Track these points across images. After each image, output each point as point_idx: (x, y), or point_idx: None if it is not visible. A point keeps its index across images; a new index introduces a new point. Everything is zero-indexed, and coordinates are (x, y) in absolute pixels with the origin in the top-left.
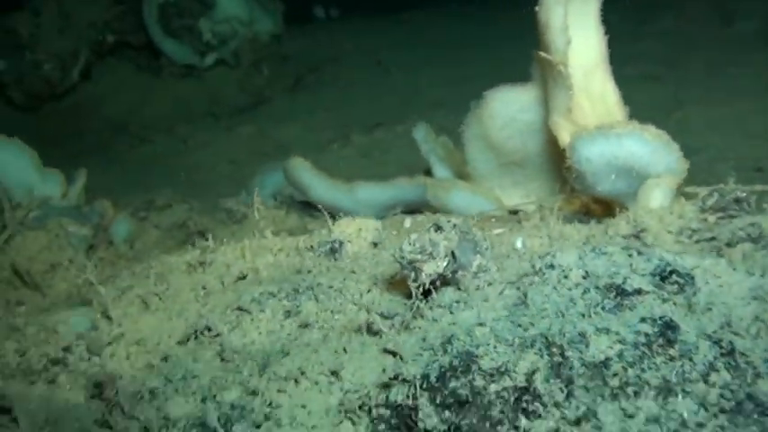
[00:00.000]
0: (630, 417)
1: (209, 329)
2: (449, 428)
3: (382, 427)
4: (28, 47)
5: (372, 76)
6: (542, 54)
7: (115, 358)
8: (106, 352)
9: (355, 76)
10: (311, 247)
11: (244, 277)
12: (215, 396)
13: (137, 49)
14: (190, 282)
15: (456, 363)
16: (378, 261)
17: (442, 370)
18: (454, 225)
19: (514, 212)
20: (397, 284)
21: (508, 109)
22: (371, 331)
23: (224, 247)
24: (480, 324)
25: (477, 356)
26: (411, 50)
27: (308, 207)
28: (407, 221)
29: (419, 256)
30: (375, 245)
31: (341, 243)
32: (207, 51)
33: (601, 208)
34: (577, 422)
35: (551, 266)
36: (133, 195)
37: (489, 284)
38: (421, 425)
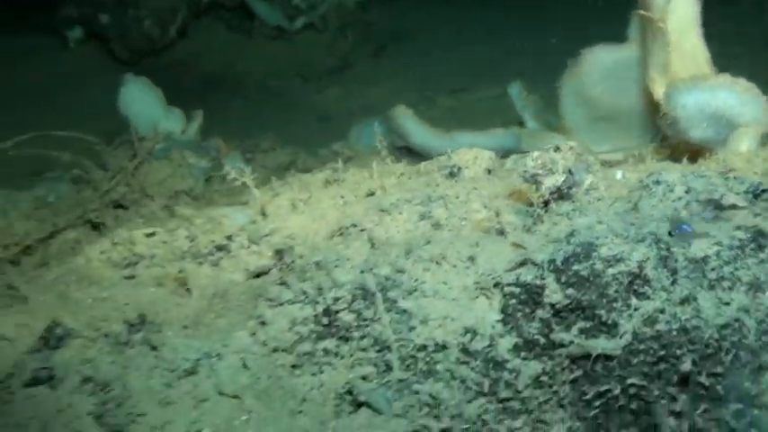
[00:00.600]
0: (725, 304)
1: (355, 225)
2: (571, 303)
3: (513, 301)
4: (131, 3)
5: (452, 46)
6: (642, 12)
7: (272, 247)
8: (263, 242)
9: (436, 45)
10: (430, 171)
11: (372, 194)
12: (371, 269)
13: (229, 10)
14: (328, 193)
15: (578, 250)
16: (494, 182)
17: (566, 256)
18: (571, 147)
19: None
20: (516, 197)
21: (603, 66)
22: (499, 231)
23: (352, 170)
24: (599, 222)
25: (596, 246)
26: (491, 21)
27: (407, 154)
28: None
29: (540, 171)
30: (489, 171)
31: (459, 168)
32: (296, 15)
33: (690, 156)
34: (680, 303)
35: (657, 182)
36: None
37: (599, 200)
38: (547, 300)
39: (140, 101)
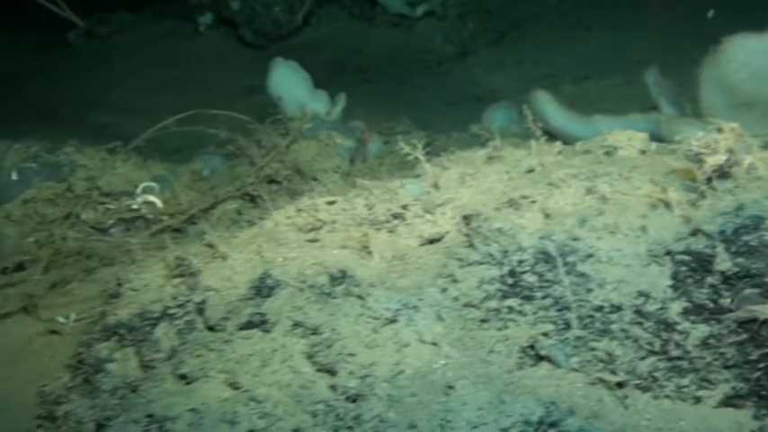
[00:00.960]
0: None
1: (525, 197)
2: (740, 271)
3: (683, 268)
4: None
5: (574, 34)
6: None
7: (445, 216)
8: (437, 211)
9: (556, 33)
10: (587, 150)
11: (532, 170)
12: (549, 236)
13: None
14: (491, 168)
15: (747, 222)
16: (650, 162)
17: (736, 227)
18: (732, 128)
19: None
20: (679, 174)
21: (745, 54)
22: (665, 205)
23: (510, 147)
24: (765, 197)
25: (764, 219)
26: (613, 10)
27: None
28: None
29: (704, 150)
30: (642, 152)
31: (615, 148)
32: (418, 2)
33: None
34: None
35: None
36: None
37: (758, 179)
38: (717, 267)
39: (289, 83)
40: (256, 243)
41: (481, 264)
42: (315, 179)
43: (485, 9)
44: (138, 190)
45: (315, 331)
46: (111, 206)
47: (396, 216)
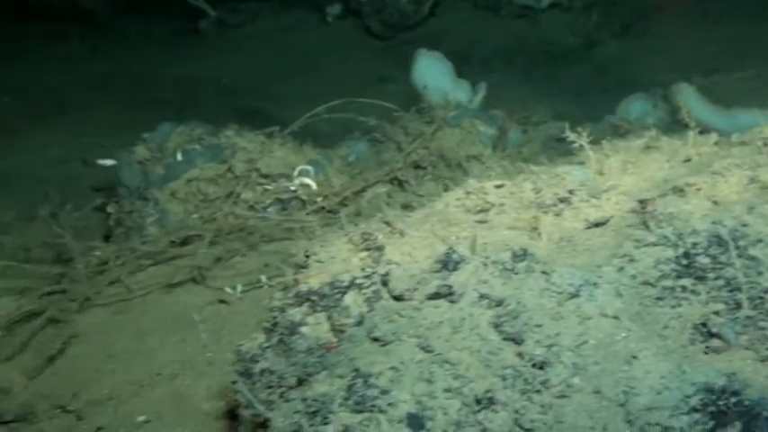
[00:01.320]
0: None
1: (690, 185)
2: None
3: None
4: None
5: (702, 25)
6: None
7: (610, 201)
8: (603, 197)
9: (684, 25)
10: (744, 142)
11: (689, 160)
12: (720, 221)
13: None
14: (650, 157)
15: None
16: None
17: None
18: None
19: None
20: None
21: None
22: None
23: (666, 138)
24: None
25: None
26: (739, 2)
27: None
28: None
29: None
30: None
31: None
32: None
33: None
34: None
35: None
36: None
37: None
38: None
39: (433, 73)
40: (429, 222)
41: (657, 245)
42: (460, 165)
43: (610, 1)
44: (295, 173)
45: (500, 303)
46: (269, 187)
47: (562, 200)
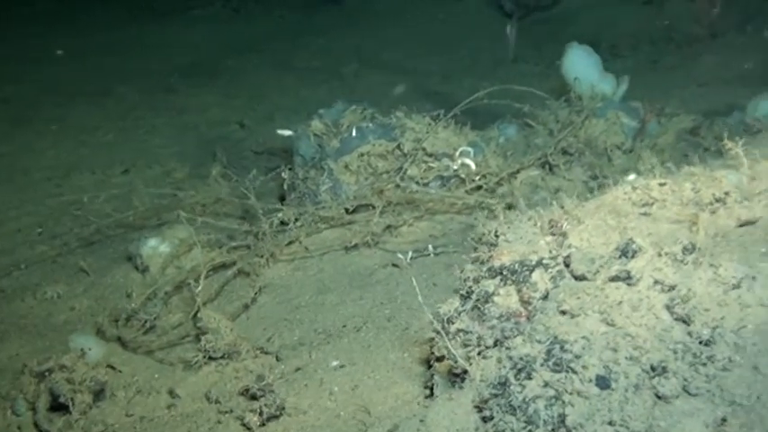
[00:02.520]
0: None
1: None
2: None
3: None
4: None
5: None
6: None
7: (760, 204)
8: (754, 199)
9: None
10: None
11: None
12: None
13: None
14: None
15: None
16: None
17: None
18: None
19: None
20: None
21: None
22: None
23: None
24: None
25: None
26: None
27: None
28: None
29: None
30: None
31: None
32: None
33: None
34: None
35: None
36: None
37: None
38: None
39: (582, 65)
40: (602, 212)
41: None
42: (605, 154)
43: None
44: (457, 153)
45: (672, 288)
46: (432, 165)
47: (717, 200)
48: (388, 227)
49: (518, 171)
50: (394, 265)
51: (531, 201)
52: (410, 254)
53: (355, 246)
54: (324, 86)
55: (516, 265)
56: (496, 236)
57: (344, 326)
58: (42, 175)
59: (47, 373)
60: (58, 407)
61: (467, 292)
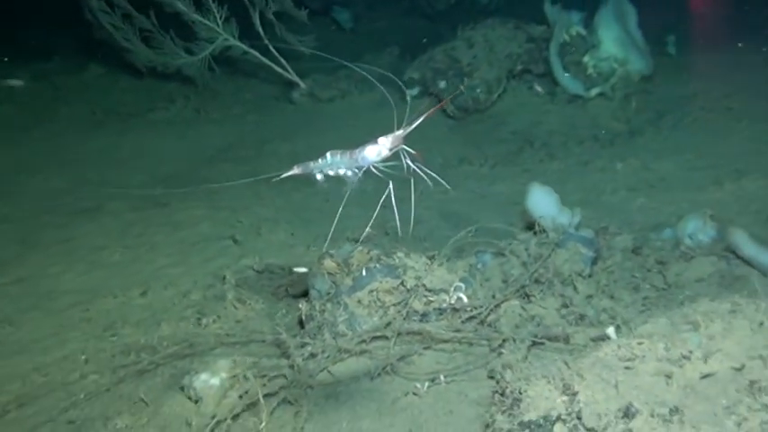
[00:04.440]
0: None
1: None
2: None
3: None
4: (466, 73)
5: (724, 122)
6: None
7: (717, 360)
8: (712, 357)
9: (710, 120)
10: None
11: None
12: None
13: (535, 76)
14: (737, 323)
15: None
16: None
17: None
18: None
19: None
20: None
21: None
22: None
23: (746, 301)
24: None
25: None
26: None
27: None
28: None
29: None
30: None
31: None
32: (592, 86)
33: None
34: None
35: None
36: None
37: None
38: None
39: (543, 203)
40: (596, 367)
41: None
42: (570, 282)
43: (647, 90)
44: (451, 288)
45: None
46: (432, 299)
47: (684, 357)
48: (403, 357)
49: (502, 302)
50: (414, 394)
51: (517, 328)
52: (426, 384)
53: (378, 374)
54: (296, 195)
55: (541, 420)
56: (520, 393)
57: None
58: (67, 300)
59: None
60: None
61: None
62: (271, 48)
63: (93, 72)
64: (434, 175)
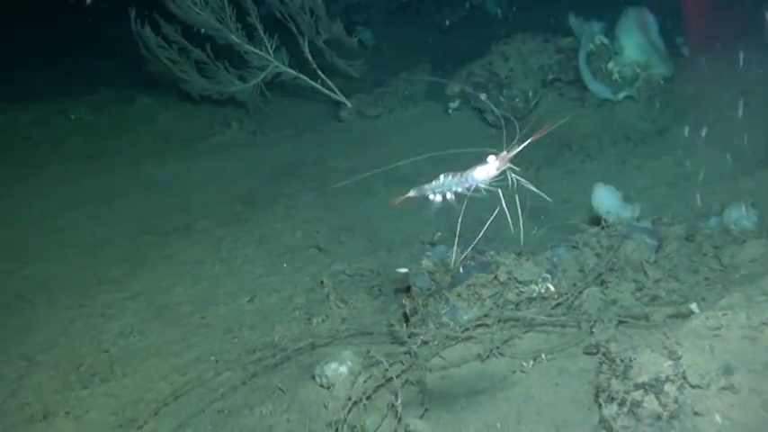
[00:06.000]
0: None
1: None
2: None
3: None
4: (504, 85)
5: (743, 116)
6: None
7: None
8: None
9: (730, 116)
10: None
11: None
12: None
13: (565, 83)
14: None
15: None
16: None
17: None
18: None
19: None
20: None
21: None
22: None
23: None
24: None
25: None
26: None
27: None
28: None
29: None
30: None
31: None
32: (618, 90)
33: None
34: None
35: None
36: None
37: None
38: None
39: (607, 200)
40: (690, 336)
41: None
42: (641, 268)
43: (670, 91)
44: (539, 279)
45: (763, 393)
46: (522, 290)
47: (764, 323)
48: (506, 341)
49: (583, 289)
50: (521, 371)
51: (599, 310)
52: (531, 362)
53: (487, 356)
54: (361, 206)
55: (653, 381)
56: (630, 360)
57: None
58: (184, 310)
59: None
60: None
61: (621, 400)
62: (319, 72)
63: (142, 102)
64: (536, 189)
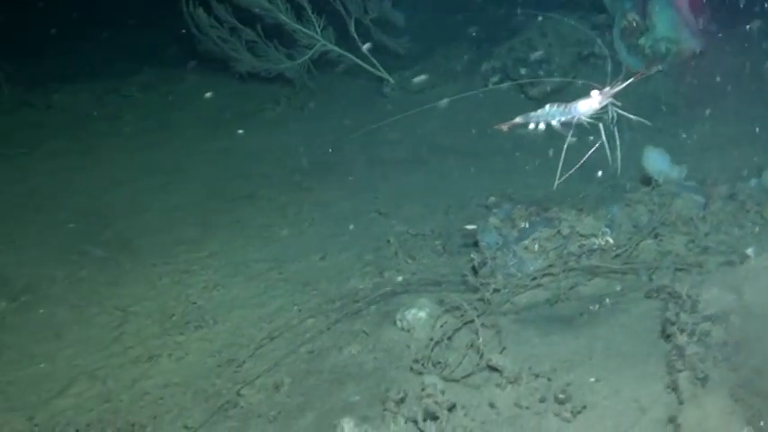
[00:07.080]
0: None
1: None
2: None
3: None
4: (544, 61)
5: None
6: None
7: None
8: None
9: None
10: None
11: None
12: None
13: (601, 58)
14: None
15: None
16: None
17: None
18: None
19: None
20: None
21: None
22: None
23: None
24: None
25: None
26: None
27: None
28: None
29: None
30: None
31: None
32: (651, 63)
33: None
34: None
35: None
36: None
37: None
38: None
39: (658, 162)
40: (751, 276)
41: None
42: (690, 223)
43: (698, 66)
44: (599, 232)
45: None
46: (584, 242)
47: None
48: (571, 287)
49: (640, 242)
50: (587, 314)
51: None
52: (596, 306)
53: (556, 301)
54: (415, 175)
55: (720, 313)
56: (697, 297)
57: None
58: (260, 267)
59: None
60: None
61: (691, 331)
62: (363, 49)
63: (190, 81)
64: (638, 117)
